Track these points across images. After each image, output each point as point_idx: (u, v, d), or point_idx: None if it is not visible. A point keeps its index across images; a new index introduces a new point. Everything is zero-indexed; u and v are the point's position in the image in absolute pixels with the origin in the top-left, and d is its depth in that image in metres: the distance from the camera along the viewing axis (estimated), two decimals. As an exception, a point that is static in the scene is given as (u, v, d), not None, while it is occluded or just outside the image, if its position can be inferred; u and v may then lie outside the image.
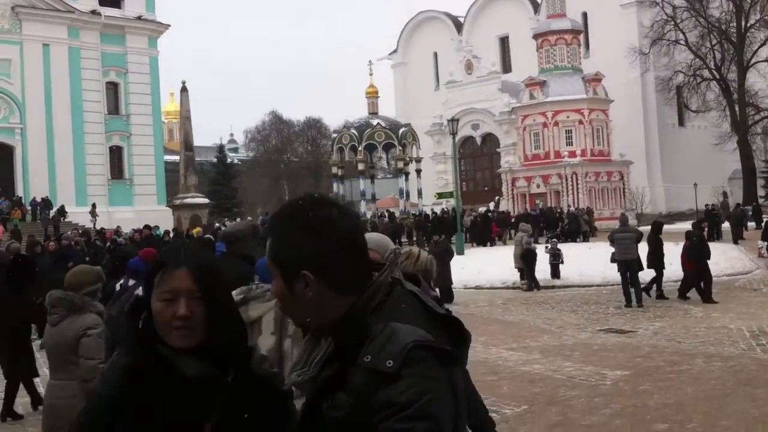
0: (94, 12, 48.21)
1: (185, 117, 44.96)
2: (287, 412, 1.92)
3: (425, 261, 5.18)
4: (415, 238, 41.92)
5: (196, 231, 31.73)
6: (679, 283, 17.33)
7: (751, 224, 37.57)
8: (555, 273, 21.05)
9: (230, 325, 1.95)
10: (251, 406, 1.91)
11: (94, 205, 43.60)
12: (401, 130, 52.27)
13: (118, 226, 34.94)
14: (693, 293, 16.82)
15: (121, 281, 9.15)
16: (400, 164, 52.34)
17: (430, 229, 40.92)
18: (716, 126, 56.50)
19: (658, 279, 17.35)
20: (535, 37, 55.52)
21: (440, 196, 49.46)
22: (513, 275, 21.29)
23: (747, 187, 54.32)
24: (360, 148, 51.57)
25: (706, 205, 41.30)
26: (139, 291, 2.08)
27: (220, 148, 71.59)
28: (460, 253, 30.09)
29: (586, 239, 38.12)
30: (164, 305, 1.89)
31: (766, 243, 25.35)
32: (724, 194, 51.49)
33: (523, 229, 22.21)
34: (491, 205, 50.85)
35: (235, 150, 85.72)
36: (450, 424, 1.62)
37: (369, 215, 47.75)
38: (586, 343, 12.46)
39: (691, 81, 56.62)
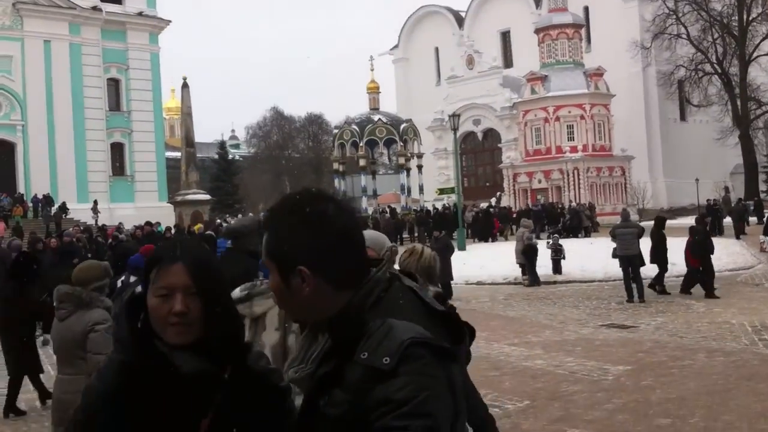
0: (95, 8, 48.17)
1: (186, 113, 44.92)
2: (285, 408, 1.90)
3: (428, 258, 5.17)
4: (416, 234, 41.92)
5: (198, 227, 31.73)
6: (682, 278, 17.31)
7: (753, 219, 37.53)
8: (557, 268, 21.04)
9: (227, 321, 1.92)
10: (249, 402, 1.89)
11: (95, 202, 43.62)
12: (402, 126, 52.23)
13: (120, 223, 34.95)
14: (696, 288, 16.79)
15: (122, 278, 9.17)
16: (402, 160, 52.30)
17: (432, 225, 40.94)
18: (718, 120, 56.44)
19: (660, 274, 17.33)
20: (537, 31, 55.47)
21: (441, 191, 49.47)
22: (515, 271, 21.28)
23: (749, 181, 54.24)
24: (361, 144, 51.54)
25: (708, 200, 41.30)
26: (140, 288, 2.06)
27: (222, 145, 71.59)
28: (462, 248, 30.10)
29: (587, 234, 38.10)
30: (160, 301, 1.86)
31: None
32: (726, 189, 51.48)
33: (525, 225, 22.21)
34: (492, 201, 50.83)
35: (237, 146, 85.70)
36: (448, 421, 1.61)
37: (370, 211, 47.77)
38: (588, 338, 12.46)
39: (693, 75, 56.55)
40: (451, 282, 18.62)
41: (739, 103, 54.70)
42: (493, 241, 38.04)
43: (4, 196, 42.30)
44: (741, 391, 8.52)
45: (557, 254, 21.05)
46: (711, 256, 16.96)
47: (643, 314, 14.62)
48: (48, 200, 42.13)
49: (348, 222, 1.78)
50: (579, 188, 50.34)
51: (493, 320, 14.70)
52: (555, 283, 20.43)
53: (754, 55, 55.00)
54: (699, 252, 16.77)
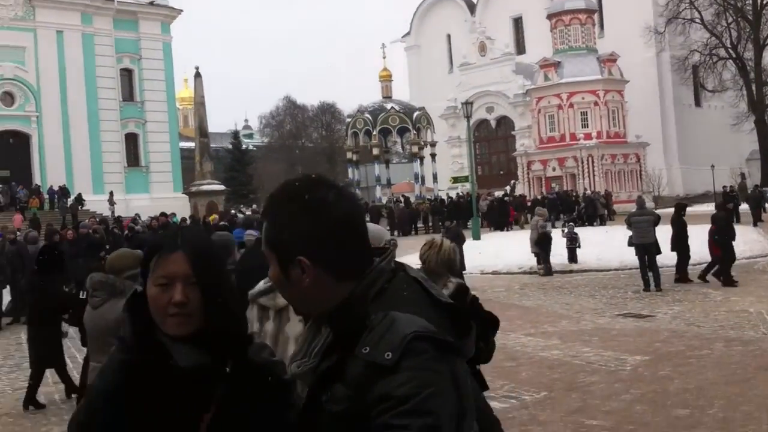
0: (107, -3, 48.31)
1: (199, 103, 44.96)
2: (289, 401, 1.86)
3: (448, 250, 5.18)
4: (431, 224, 41.91)
5: (213, 218, 31.80)
6: (704, 265, 17.18)
7: (770, 205, 37.27)
8: (572, 257, 20.97)
9: (227, 312, 1.87)
10: (251, 396, 1.85)
11: (111, 193, 43.86)
12: (415, 114, 52.10)
13: (137, 214, 35.12)
14: (712, 276, 16.72)
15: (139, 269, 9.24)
16: (415, 148, 52.21)
17: (446, 214, 40.90)
18: (733, 106, 56.02)
19: (682, 262, 17.17)
20: (549, 17, 55.15)
21: (455, 180, 49.40)
22: (530, 260, 21.22)
23: (765, 167, 53.86)
24: (374, 133, 51.45)
25: (724, 186, 41.02)
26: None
27: (235, 134, 71.74)
28: (477, 238, 30.09)
29: (603, 223, 37.98)
30: (159, 290, 1.82)
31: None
32: (742, 175, 51.10)
33: (539, 214, 22.13)
34: (507, 189, 50.72)
35: (250, 136, 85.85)
36: (452, 420, 1.54)
37: (384, 200, 47.77)
38: (604, 328, 12.43)
39: (707, 60, 56.13)
40: (464, 272, 18.58)
41: (754, 88, 54.24)
42: (508, 229, 37.99)
43: (21, 187, 42.56)
44: (760, 381, 8.49)
45: (572, 243, 20.98)
46: (733, 242, 16.83)
47: (659, 303, 14.57)
48: (64, 192, 42.36)
49: (350, 209, 1.72)
50: (594, 176, 50.14)
51: (509, 310, 14.67)
52: (571, 272, 20.36)
53: (769, 39, 54.52)
54: (721, 240, 16.62)
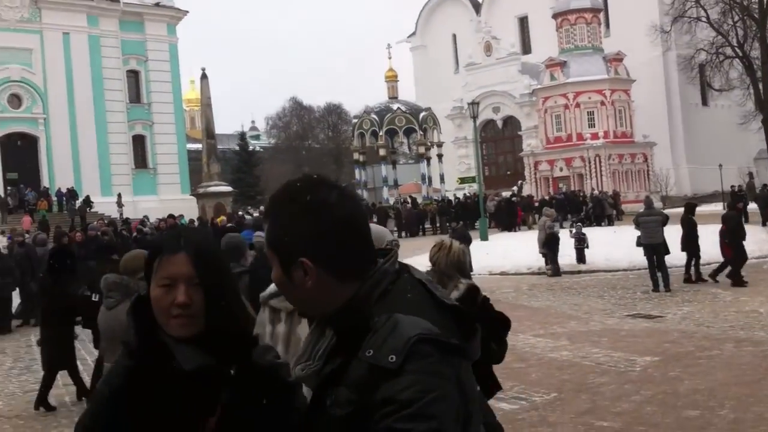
0: (112, -1, 48.45)
1: (206, 104, 44.99)
2: (294, 404, 1.84)
3: (457, 251, 5.17)
4: (438, 224, 41.88)
5: (220, 219, 31.86)
6: (714, 265, 17.11)
7: (778, 205, 37.05)
8: (580, 258, 20.92)
9: (232, 313, 1.85)
10: (256, 398, 1.83)
11: (119, 195, 43.95)
12: (422, 115, 52.08)
13: (145, 216, 35.20)
14: (722, 276, 16.65)
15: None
16: (422, 149, 52.18)
17: (453, 214, 40.89)
18: (740, 105, 55.74)
19: (692, 262, 17.07)
20: (555, 16, 55.07)
21: (463, 180, 49.35)
22: (538, 261, 21.18)
23: (773, 166, 53.69)
24: (381, 134, 51.45)
25: (732, 186, 40.90)
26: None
27: (242, 136, 71.78)
28: (484, 238, 30.03)
29: (611, 223, 37.90)
30: (162, 292, 1.81)
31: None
32: (750, 175, 50.91)
33: (547, 214, 22.10)
34: (515, 189, 50.68)
35: (257, 137, 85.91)
36: (456, 424, 1.52)
37: (392, 201, 47.77)
38: (613, 328, 12.40)
39: (714, 59, 55.83)
40: (472, 273, 18.54)
41: (761, 86, 53.95)
42: (516, 230, 37.94)
43: (29, 190, 42.70)
44: (770, 382, 8.47)
45: (581, 243, 20.93)
46: (743, 242, 16.75)
47: (669, 304, 14.53)
48: (72, 194, 42.48)
49: (352, 210, 1.69)
50: (601, 176, 50.06)
51: (517, 311, 14.62)
52: (579, 272, 20.31)
53: (776, 37, 54.25)
54: (732, 240, 16.54)
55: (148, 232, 25.56)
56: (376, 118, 51.89)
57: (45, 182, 44.92)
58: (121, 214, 40.27)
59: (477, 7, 72.70)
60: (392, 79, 55.30)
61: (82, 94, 46.79)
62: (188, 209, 40.06)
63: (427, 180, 52.05)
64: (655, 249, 16.35)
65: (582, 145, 51.17)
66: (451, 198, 47.14)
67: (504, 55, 61.09)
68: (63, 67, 46.44)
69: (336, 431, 1.58)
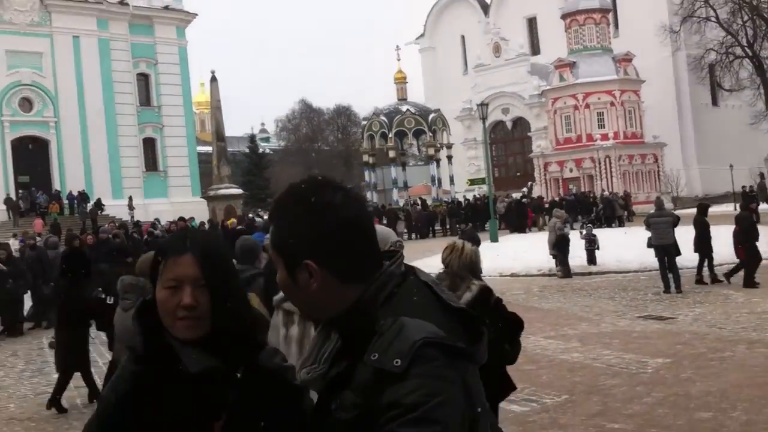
0: (121, 2, 48.59)
1: (216, 107, 45.16)
2: (301, 407, 1.83)
3: (470, 253, 5.18)
4: (448, 226, 41.84)
5: (231, 222, 31.93)
6: (725, 266, 16.98)
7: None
8: (591, 259, 20.85)
9: (238, 315, 1.84)
10: (263, 402, 1.81)
11: (130, 198, 44.10)
12: (431, 116, 52.07)
13: (156, 219, 35.30)
14: (735, 278, 16.55)
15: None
16: (431, 151, 52.17)
17: (463, 216, 40.85)
18: (750, 105, 55.54)
19: (704, 263, 16.94)
20: (563, 17, 54.96)
21: (472, 182, 49.30)
22: (548, 262, 21.13)
23: (784, 167, 53.42)
24: (390, 135, 51.46)
25: (743, 186, 40.70)
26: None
27: (252, 138, 71.94)
28: (494, 240, 30.01)
29: (621, 224, 37.78)
30: (168, 293, 1.79)
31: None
32: (761, 175, 50.68)
33: (557, 215, 22.04)
34: (525, 191, 50.60)
35: (267, 139, 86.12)
36: (461, 429, 1.51)
37: (401, 203, 47.76)
38: (625, 330, 12.36)
39: (724, 59, 55.64)
40: (481, 275, 18.50)
41: (771, 86, 53.75)
42: (527, 231, 37.86)
43: (40, 193, 42.87)
44: (784, 384, 8.42)
45: (591, 245, 20.86)
46: (756, 243, 16.64)
47: (680, 305, 14.47)
48: (83, 197, 42.65)
49: (357, 212, 1.68)
50: (611, 177, 49.90)
51: (528, 313, 14.54)
52: (590, 274, 20.23)
53: (785, 37, 53.99)
54: (746, 241, 16.44)
55: (159, 235, 25.63)
56: (386, 120, 51.90)
57: (56, 185, 45.09)
58: (132, 217, 40.42)
59: (485, 9, 72.64)
60: (401, 80, 55.32)
61: (93, 98, 46.95)
62: (199, 212, 40.21)
63: (436, 182, 52.02)
64: (666, 250, 16.26)
65: (592, 146, 51.03)
66: (461, 200, 47.10)
67: (513, 56, 61.00)
68: (73, 71, 46.60)
69: None
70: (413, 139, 54.29)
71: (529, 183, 54.25)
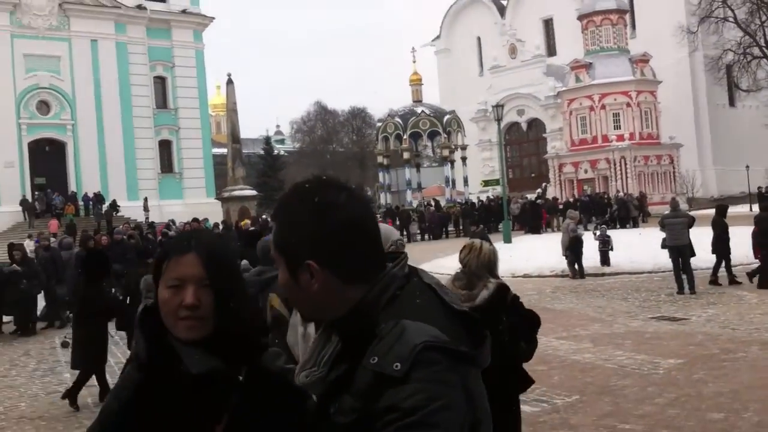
0: (139, 6, 48.90)
1: (231, 109, 45.42)
2: (304, 410, 1.79)
3: (488, 253, 5.20)
4: (461, 227, 41.90)
5: (245, 223, 32.04)
6: (747, 267, 16.81)
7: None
8: (605, 260, 20.76)
9: (242, 317, 1.81)
10: (265, 404, 1.79)
11: (146, 199, 44.35)
12: (446, 118, 52.04)
13: (172, 220, 35.49)
14: (744, 277, 16.42)
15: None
16: (446, 152, 52.11)
17: (476, 217, 40.87)
18: (768, 106, 55.27)
19: (723, 264, 16.75)
20: (580, 18, 54.81)
21: (486, 183, 49.24)
22: (561, 263, 21.06)
23: (801, 168, 53.02)
24: (405, 137, 51.49)
25: (759, 187, 40.45)
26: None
27: (267, 140, 72.16)
28: (508, 241, 29.96)
29: (635, 225, 37.63)
30: (171, 293, 1.77)
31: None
32: (777, 176, 50.35)
33: (571, 216, 21.96)
34: (539, 192, 50.49)
35: (282, 141, 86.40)
36: None
37: (415, 204, 47.78)
38: (637, 331, 12.29)
39: (741, 59, 55.29)
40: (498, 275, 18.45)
41: (789, 87, 53.40)
42: (542, 232, 37.80)
43: (56, 194, 43.19)
44: (796, 385, 8.34)
45: (605, 246, 20.77)
46: None
47: (694, 306, 14.37)
48: (99, 198, 42.95)
49: (361, 212, 1.65)
50: (626, 178, 49.69)
51: (540, 313, 14.28)
52: (603, 275, 20.15)
53: (804, 38, 53.63)
54: (764, 241, 16.26)
55: (173, 236, 25.74)
56: (400, 122, 51.92)
57: (72, 187, 45.42)
58: (147, 218, 40.63)
59: (501, 10, 72.55)
60: (416, 82, 55.30)
61: (110, 101, 47.29)
62: (213, 213, 40.42)
63: (450, 183, 51.97)
64: (681, 251, 16.15)
65: (607, 147, 50.84)
66: (475, 201, 47.06)
67: (529, 58, 60.92)
68: (91, 74, 46.96)
69: None
70: (428, 140, 54.26)
71: (544, 184, 54.13)
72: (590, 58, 52.98)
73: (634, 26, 61.19)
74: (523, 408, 7.69)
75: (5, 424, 8.84)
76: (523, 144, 63.59)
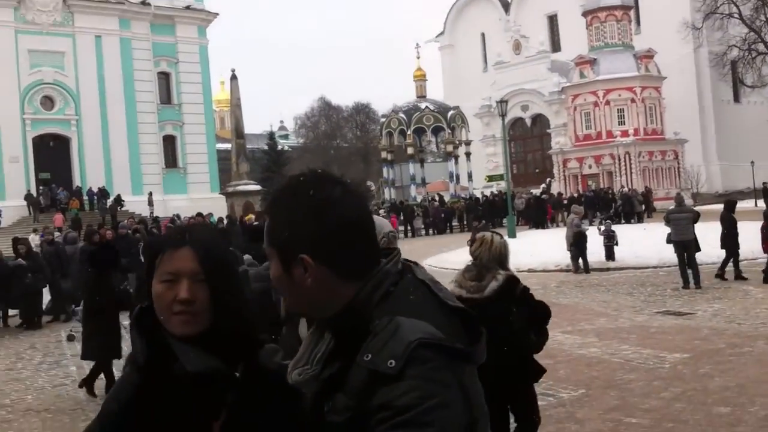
0: (143, 2, 48.93)
1: (235, 105, 45.40)
2: (300, 408, 1.74)
3: (499, 245, 5.21)
4: (465, 222, 41.96)
5: (249, 218, 32.03)
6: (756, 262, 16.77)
7: (811, 202, 36.49)
8: (609, 255, 20.74)
9: (237, 312, 1.79)
10: (262, 402, 1.77)
11: (150, 194, 44.42)
12: (450, 113, 52.03)
13: (176, 215, 35.54)
14: (753, 273, 16.39)
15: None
16: (450, 147, 52.15)
17: (481, 212, 40.92)
18: (773, 101, 55.18)
19: (732, 260, 16.73)
20: (585, 14, 54.76)
21: (490, 179, 49.25)
22: (566, 258, 21.04)
23: (806, 163, 52.93)
24: (409, 132, 51.49)
25: (764, 182, 40.34)
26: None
27: (271, 135, 72.17)
28: (512, 236, 29.95)
29: (640, 220, 37.63)
30: (165, 287, 1.74)
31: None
32: (782, 171, 50.24)
33: (575, 211, 21.96)
34: (543, 187, 50.48)
35: (285, 137, 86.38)
36: (457, 431, 1.45)
37: (419, 199, 47.80)
38: (643, 325, 12.27)
39: (746, 55, 55.21)
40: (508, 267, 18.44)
41: (794, 83, 53.29)
42: (546, 227, 37.84)
43: (61, 189, 43.26)
44: (803, 379, 8.33)
45: (610, 240, 20.76)
46: None
47: (699, 301, 14.35)
48: (103, 193, 43.02)
49: (356, 207, 1.62)
50: (631, 173, 49.66)
51: (545, 308, 14.53)
52: (608, 269, 20.12)
53: (809, 33, 53.52)
54: None
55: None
56: (405, 117, 51.92)
57: (77, 182, 45.50)
58: (152, 213, 40.70)
59: (506, 6, 72.47)
60: (420, 78, 55.28)
61: (114, 96, 47.33)
62: (217, 208, 40.42)
63: (454, 178, 51.98)
64: (686, 246, 16.11)
65: (612, 143, 50.82)
66: (479, 196, 47.08)
67: (533, 54, 60.88)
68: (95, 70, 47.01)
69: None
70: (432, 136, 54.28)
71: (548, 179, 54.11)
72: (595, 54, 52.93)
73: (638, 22, 61.11)
74: (529, 401, 7.73)
75: (12, 417, 8.87)
76: (527, 139, 63.58)
